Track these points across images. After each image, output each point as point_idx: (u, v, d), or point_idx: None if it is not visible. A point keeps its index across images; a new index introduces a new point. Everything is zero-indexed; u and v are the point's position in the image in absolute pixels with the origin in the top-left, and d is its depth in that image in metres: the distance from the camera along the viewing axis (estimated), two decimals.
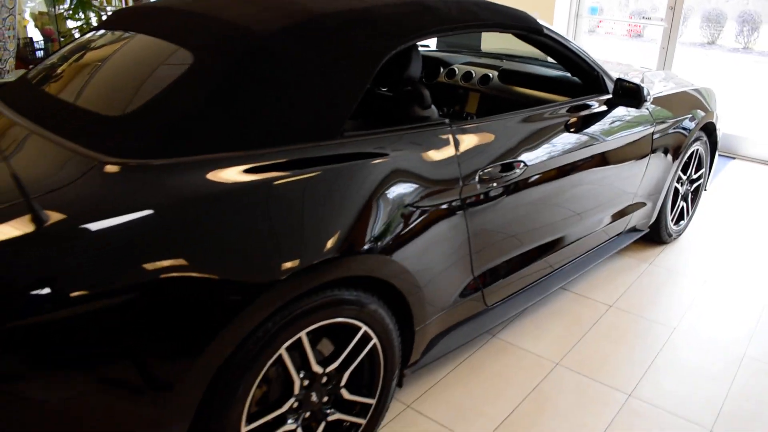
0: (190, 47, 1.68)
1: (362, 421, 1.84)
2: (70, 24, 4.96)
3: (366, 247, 1.62)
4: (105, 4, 4.78)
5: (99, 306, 1.24)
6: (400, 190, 1.73)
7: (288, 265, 1.45)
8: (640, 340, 2.55)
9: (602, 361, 2.40)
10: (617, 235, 2.92)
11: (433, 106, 2.10)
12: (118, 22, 2.10)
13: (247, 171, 1.48)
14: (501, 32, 2.23)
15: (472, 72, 3.14)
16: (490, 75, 3.07)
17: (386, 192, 1.70)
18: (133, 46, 1.87)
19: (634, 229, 3.07)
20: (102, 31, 2.13)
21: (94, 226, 1.26)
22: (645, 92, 2.47)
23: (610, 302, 2.82)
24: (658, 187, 3.00)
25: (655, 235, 3.30)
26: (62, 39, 4.80)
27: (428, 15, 1.95)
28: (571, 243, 2.54)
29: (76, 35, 4.92)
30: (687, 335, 2.60)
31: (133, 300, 1.26)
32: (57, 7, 4.59)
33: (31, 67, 2.94)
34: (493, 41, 3.64)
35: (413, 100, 2.06)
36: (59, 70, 1.98)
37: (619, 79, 2.53)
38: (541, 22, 2.32)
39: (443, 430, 2.03)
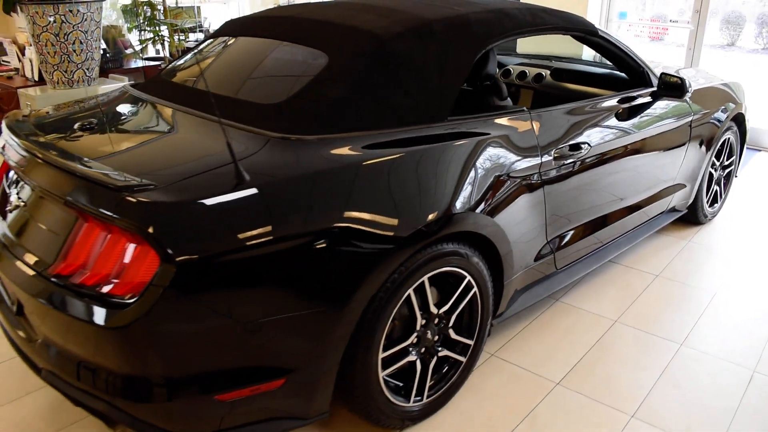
0: (323, 48, 2.05)
1: (463, 359, 2.20)
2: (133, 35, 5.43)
3: (474, 207, 1.99)
4: (176, 19, 5.22)
5: (289, 246, 1.61)
6: (496, 162, 2.11)
7: (418, 220, 1.82)
8: (686, 302, 2.89)
9: (654, 318, 2.75)
10: (661, 213, 3.26)
11: (508, 98, 2.46)
12: (236, 29, 2.50)
13: (377, 146, 1.85)
14: (563, 34, 2.60)
15: (526, 71, 3.51)
16: (543, 74, 3.44)
17: (486, 164, 2.07)
18: (264, 48, 2.26)
19: (674, 210, 3.40)
20: (212, 39, 2.54)
21: (279, 183, 1.64)
22: (687, 84, 2.83)
23: (656, 272, 3.16)
24: (695, 171, 3.35)
25: (692, 216, 3.63)
26: (130, 50, 5.26)
27: (509, 20, 2.32)
28: (624, 217, 2.89)
29: (138, 46, 5.37)
30: (727, 299, 2.94)
31: (311, 242, 1.64)
32: (136, 20, 5.03)
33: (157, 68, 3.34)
34: (526, 44, 4.02)
35: (493, 93, 2.43)
36: (201, 69, 2.37)
37: (663, 74, 2.89)
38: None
39: (525, 373, 2.38)
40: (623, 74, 3.10)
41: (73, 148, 1.84)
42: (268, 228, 1.59)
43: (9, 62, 5.27)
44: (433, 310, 2.02)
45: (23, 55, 4.74)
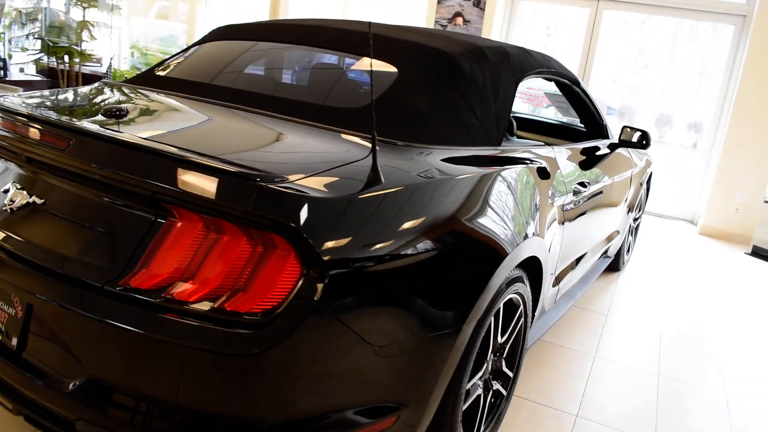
0: (388, 60, 1.93)
1: (505, 392, 2.10)
2: None
3: (534, 231, 1.97)
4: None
5: (405, 258, 1.43)
6: (546, 190, 2.12)
7: (512, 241, 1.75)
8: (640, 331, 3.12)
9: (621, 347, 2.92)
10: (600, 257, 3.50)
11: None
12: (237, 35, 2.27)
13: (455, 161, 1.75)
14: (558, 80, 2.75)
15: None
16: None
17: (541, 191, 2.08)
18: (303, 56, 2.09)
19: (606, 256, 3.68)
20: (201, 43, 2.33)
21: (407, 187, 1.47)
22: (650, 137, 3.14)
23: (605, 312, 3.38)
24: (626, 219, 3.68)
25: (614, 263, 3.96)
26: None
27: (532, 59, 2.41)
28: (592, 257, 3.06)
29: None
30: (672, 324, 3.22)
31: (435, 256, 1.48)
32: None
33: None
34: None
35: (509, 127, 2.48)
36: (220, 68, 2.11)
37: (625, 127, 3.17)
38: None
39: (543, 408, 2.36)
40: (576, 126, 3.37)
41: (137, 134, 1.49)
42: (411, 230, 1.41)
43: None
44: (499, 339, 1.93)
45: None
